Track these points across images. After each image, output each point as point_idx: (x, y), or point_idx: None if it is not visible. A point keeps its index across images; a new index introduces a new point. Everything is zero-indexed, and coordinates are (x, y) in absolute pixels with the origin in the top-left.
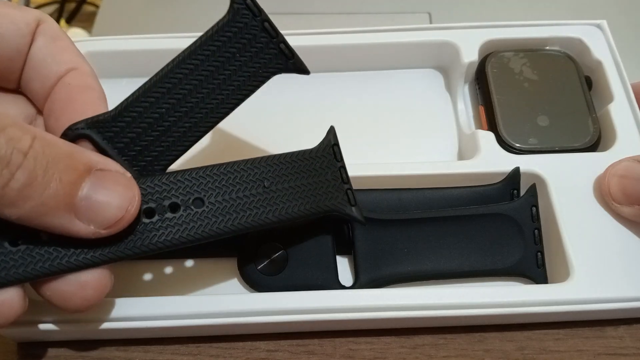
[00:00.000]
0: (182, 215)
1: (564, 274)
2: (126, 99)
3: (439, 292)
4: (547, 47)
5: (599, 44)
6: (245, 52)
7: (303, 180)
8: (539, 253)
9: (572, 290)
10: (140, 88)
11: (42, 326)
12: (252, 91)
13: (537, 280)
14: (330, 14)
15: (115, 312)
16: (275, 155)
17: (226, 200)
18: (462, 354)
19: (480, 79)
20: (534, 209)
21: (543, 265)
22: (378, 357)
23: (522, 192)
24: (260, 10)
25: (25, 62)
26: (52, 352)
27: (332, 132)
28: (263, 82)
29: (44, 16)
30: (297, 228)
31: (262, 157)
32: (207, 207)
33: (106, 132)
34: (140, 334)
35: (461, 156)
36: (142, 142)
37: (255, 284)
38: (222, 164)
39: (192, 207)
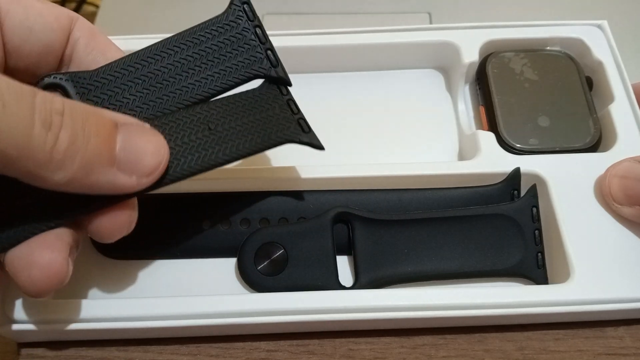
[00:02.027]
0: None
1: (564, 275)
2: (109, 63)
3: (439, 292)
4: (548, 48)
5: (600, 44)
6: (232, 50)
7: (250, 118)
8: (539, 254)
9: (572, 290)
10: (124, 57)
11: (42, 326)
12: (229, 87)
13: (538, 280)
14: (330, 14)
15: (115, 312)
16: (217, 99)
17: (171, 147)
18: (462, 354)
19: (481, 80)
20: (534, 209)
21: (543, 265)
22: (378, 357)
23: (522, 193)
24: (255, 16)
25: (71, 60)
26: (52, 352)
27: (284, 70)
28: (242, 82)
29: (75, 14)
30: (298, 229)
31: (203, 103)
32: None
33: (81, 87)
34: (140, 334)
35: (462, 156)
36: (112, 106)
37: (255, 284)
38: (163, 116)
39: None
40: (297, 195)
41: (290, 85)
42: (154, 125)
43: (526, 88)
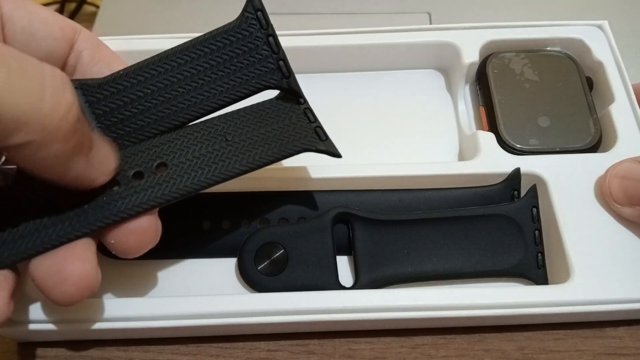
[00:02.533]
0: (146, 181)
1: (564, 275)
2: (117, 72)
3: (439, 292)
4: (548, 48)
5: (600, 45)
6: (243, 60)
7: (267, 128)
8: (539, 254)
9: (572, 291)
10: (133, 65)
11: (42, 326)
12: (240, 98)
13: (538, 281)
14: (329, 14)
15: (115, 312)
16: (234, 110)
17: (189, 159)
18: (462, 354)
19: (481, 80)
20: (534, 209)
21: (543, 266)
22: (378, 357)
23: (522, 193)
24: (269, 24)
25: (75, 71)
26: (52, 352)
27: (298, 86)
28: (253, 93)
29: (80, 26)
30: (298, 229)
31: (220, 115)
32: (171, 169)
33: (89, 96)
34: (140, 334)
35: (462, 157)
36: (120, 115)
37: (255, 284)
38: (182, 128)
39: (156, 172)
40: (297, 195)
41: (302, 97)
42: (167, 140)
43: (526, 88)
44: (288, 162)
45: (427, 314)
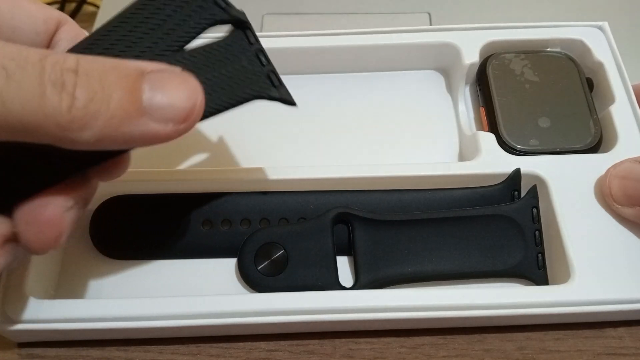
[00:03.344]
0: None
1: (564, 276)
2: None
3: (439, 293)
4: (548, 49)
5: (600, 46)
6: (179, 4)
7: (214, 72)
8: (539, 254)
9: (572, 291)
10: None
11: (42, 326)
12: (188, 40)
13: (538, 281)
14: (329, 13)
15: (115, 312)
16: (180, 52)
17: None
18: (462, 354)
19: (481, 81)
20: (534, 210)
21: (544, 266)
22: (378, 357)
23: (523, 194)
24: None
25: None
26: (52, 352)
27: (242, 13)
28: (200, 31)
29: (65, 17)
30: (298, 229)
31: (175, 53)
32: None
33: None
34: (140, 334)
35: (462, 157)
36: None
37: (255, 284)
38: None
39: None
40: (298, 195)
41: (247, 23)
42: None
43: (527, 89)
44: (288, 162)
45: (427, 314)
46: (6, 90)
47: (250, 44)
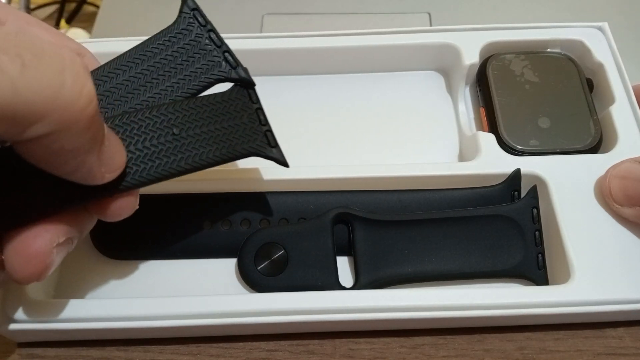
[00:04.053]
0: None
1: (564, 276)
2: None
3: (439, 293)
4: (548, 49)
5: (600, 46)
6: (191, 57)
7: (216, 125)
8: (539, 255)
9: (572, 292)
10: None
11: (42, 326)
12: (195, 93)
13: (538, 281)
14: (329, 14)
15: (115, 312)
16: (183, 100)
17: (131, 152)
18: (462, 354)
19: (481, 81)
20: (534, 210)
21: (544, 266)
22: (378, 357)
23: (523, 194)
24: (207, 21)
25: None
26: (52, 352)
27: (245, 71)
28: (206, 87)
29: (84, 49)
30: (298, 229)
31: (169, 103)
32: None
33: None
34: (140, 333)
35: (462, 158)
36: None
37: (256, 284)
38: (124, 114)
39: None
40: (298, 195)
41: (254, 85)
42: (114, 124)
43: (527, 90)
44: (288, 162)
45: (427, 314)
46: (22, 78)
47: (252, 102)
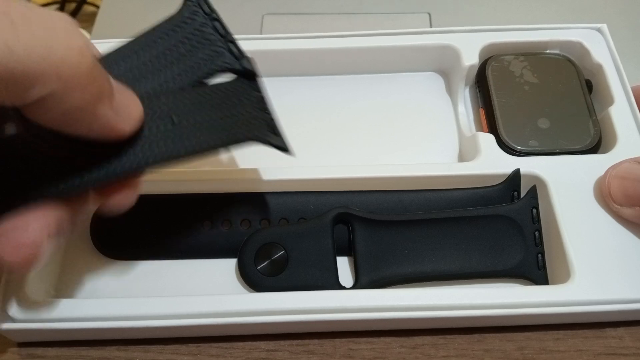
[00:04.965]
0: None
1: (564, 276)
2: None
3: (439, 293)
4: (548, 51)
5: (599, 48)
6: (193, 46)
7: (217, 113)
8: (539, 255)
9: (572, 291)
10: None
11: (42, 326)
12: (200, 82)
13: (538, 281)
14: (329, 14)
15: (115, 312)
16: (185, 88)
17: (135, 139)
18: (462, 354)
19: (481, 82)
20: (534, 210)
21: (544, 266)
22: (378, 357)
23: (522, 194)
24: (212, 10)
25: None
26: (52, 352)
27: (250, 61)
28: (209, 77)
29: (90, 44)
30: (298, 229)
31: (169, 92)
32: (103, 149)
33: None
34: (140, 333)
35: (462, 158)
36: None
37: (256, 284)
38: None
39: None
40: (298, 195)
41: (258, 76)
42: None
43: (526, 91)
44: (288, 162)
45: (427, 314)
46: (13, 39)
47: (255, 91)
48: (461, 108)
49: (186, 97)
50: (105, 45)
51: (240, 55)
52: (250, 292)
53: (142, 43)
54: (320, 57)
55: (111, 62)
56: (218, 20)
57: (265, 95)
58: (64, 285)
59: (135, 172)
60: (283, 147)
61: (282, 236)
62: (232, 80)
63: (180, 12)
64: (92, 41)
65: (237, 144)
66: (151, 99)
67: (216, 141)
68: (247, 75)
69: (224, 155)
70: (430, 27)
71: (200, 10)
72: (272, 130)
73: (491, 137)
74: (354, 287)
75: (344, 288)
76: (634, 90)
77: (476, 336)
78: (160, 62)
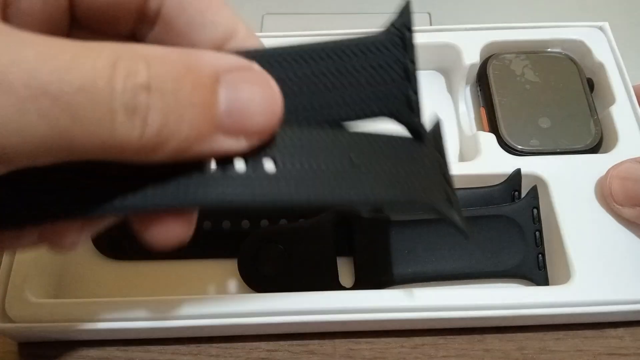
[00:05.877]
0: (246, 173)
1: (565, 276)
2: (262, 49)
3: (439, 293)
4: (549, 49)
5: (601, 46)
6: (372, 77)
7: (397, 167)
8: (540, 255)
9: (573, 292)
10: (274, 48)
11: (42, 326)
12: (359, 117)
13: (538, 282)
14: (329, 14)
15: (116, 312)
16: (361, 132)
17: (303, 165)
18: (462, 354)
19: (482, 81)
20: (535, 210)
21: (544, 267)
22: (378, 357)
23: (523, 194)
24: (412, 48)
25: (159, 18)
26: (52, 352)
27: (438, 124)
28: (372, 116)
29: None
30: (298, 229)
31: (342, 130)
32: (280, 169)
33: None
34: (140, 334)
35: (462, 157)
36: None
37: (256, 284)
38: (303, 128)
39: (262, 165)
40: None
41: (423, 140)
42: (283, 135)
43: (527, 89)
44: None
45: (427, 314)
46: (71, 123)
47: (441, 154)
48: (462, 107)
49: (363, 139)
50: None
51: (417, 110)
52: (251, 292)
53: (316, 51)
54: None
55: (293, 57)
56: (412, 61)
57: (449, 162)
58: (64, 285)
59: (291, 203)
60: (460, 227)
61: (282, 236)
62: (411, 137)
63: (377, 36)
64: None
65: (407, 205)
66: (326, 130)
67: (390, 196)
68: (416, 135)
69: None
70: (431, 26)
71: (402, 43)
72: (450, 202)
73: (492, 137)
74: (354, 286)
75: (344, 288)
76: (636, 89)
77: (476, 336)
78: (338, 78)
